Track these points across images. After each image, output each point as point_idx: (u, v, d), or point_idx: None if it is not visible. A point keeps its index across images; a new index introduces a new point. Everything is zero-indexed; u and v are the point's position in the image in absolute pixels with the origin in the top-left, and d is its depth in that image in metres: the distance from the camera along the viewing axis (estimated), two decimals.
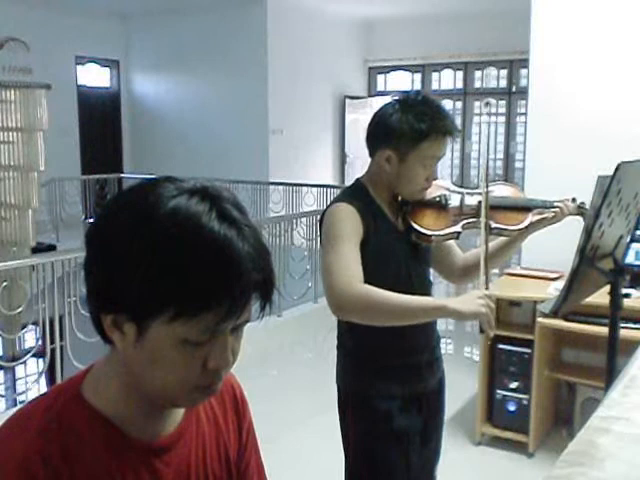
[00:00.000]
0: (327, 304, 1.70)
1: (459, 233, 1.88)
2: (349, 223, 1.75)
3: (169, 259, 0.76)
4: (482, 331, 1.64)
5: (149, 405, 0.87)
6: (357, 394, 1.90)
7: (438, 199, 1.90)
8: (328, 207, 1.83)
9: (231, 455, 1.00)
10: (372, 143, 1.86)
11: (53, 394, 0.88)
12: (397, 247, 1.84)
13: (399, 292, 1.79)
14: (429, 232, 1.84)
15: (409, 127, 1.76)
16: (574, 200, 1.93)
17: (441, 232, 1.86)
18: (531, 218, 1.89)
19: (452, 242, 1.97)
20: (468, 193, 1.94)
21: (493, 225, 1.85)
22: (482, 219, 1.81)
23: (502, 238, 1.95)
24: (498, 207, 1.88)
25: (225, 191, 0.83)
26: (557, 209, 1.88)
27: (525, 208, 1.91)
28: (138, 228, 0.78)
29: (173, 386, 0.82)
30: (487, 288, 1.70)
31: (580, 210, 1.90)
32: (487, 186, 1.85)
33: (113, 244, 0.79)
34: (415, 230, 1.84)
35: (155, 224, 0.77)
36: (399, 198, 1.89)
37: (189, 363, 0.80)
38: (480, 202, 1.85)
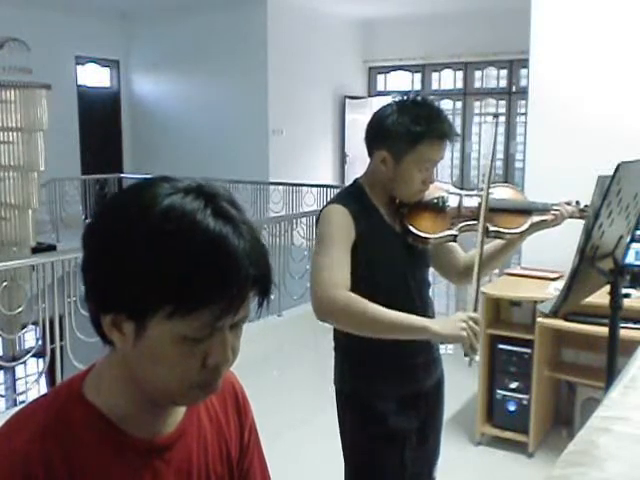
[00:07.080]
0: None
1: (456, 236, 1.86)
2: (340, 226, 1.74)
3: (164, 256, 0.76)
4: (466, 355, 1.62)
5: (150, 404, 0.87)
6: (354, 395, 1.90)
7: (436, 201, 1.88)
8: (324, 208, 1.82)
9: (233, 454, 1.00)
10: (369, 143, 1.86)
11: (54, 394, 0.88)
12: (393, 249, 1.83)
13: (395, 294, 1.78)
14: (425, 235, 1.83)
15: (405, 129, 1.75)
16: (577, 203, 1.88)
17: (438, 235, 1.84)
18: (531, 221, 1.87)
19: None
20: (467, 195, 1.92)
21: (491, 228, 1.83)
22: (480, 222, 1.79)
23: (499, 240, 1.92)
24: (497, 209, 1.86)
25: (221, 189, 0.84)
26: (557, 212, 1.85)
27: (525, 211, 1.88)
28: (133, 226, 0.78)
29: (173, 384, 0.82)
30: (475, 309, 1.67)
31: (583, 214, 1.85)
32: (488, 187, 1.84)
33: (109, 243, 0.80)
34: (411, 233, 1.83)
35: (150, 222, 0.77)
36: (397, 200, 1.88)
37: (188, 360, 0.81)
38: (479, 204, 1.84)
